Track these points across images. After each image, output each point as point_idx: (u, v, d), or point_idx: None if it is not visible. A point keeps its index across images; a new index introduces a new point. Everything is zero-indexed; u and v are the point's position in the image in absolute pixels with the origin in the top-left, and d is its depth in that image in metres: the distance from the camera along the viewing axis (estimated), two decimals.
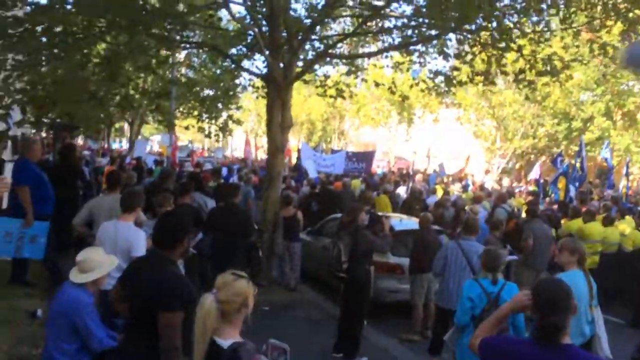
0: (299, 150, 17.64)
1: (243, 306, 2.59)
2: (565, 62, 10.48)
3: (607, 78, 23.42)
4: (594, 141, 23.54)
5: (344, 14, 12.29)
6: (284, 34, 9.43)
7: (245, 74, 15.01)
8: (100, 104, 14.56)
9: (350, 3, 10.67)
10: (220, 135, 17.83)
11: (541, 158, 26.52)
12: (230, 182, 13.86)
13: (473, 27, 9.22)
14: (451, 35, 10.14)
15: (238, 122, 16.87)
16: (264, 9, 9.71)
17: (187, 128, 18.05)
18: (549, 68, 9.95)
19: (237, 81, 16.06)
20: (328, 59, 11.98)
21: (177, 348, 3.01)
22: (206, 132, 16.67)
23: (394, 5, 10.09)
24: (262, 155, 28.01)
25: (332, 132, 40.24)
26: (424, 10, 8.89)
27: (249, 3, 9.75)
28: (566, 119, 25.38)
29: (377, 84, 12.97)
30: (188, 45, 13.15)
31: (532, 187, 18.09)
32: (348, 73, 13.02)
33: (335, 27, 14.80)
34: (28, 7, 8.54)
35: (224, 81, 15.29)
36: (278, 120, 9.56)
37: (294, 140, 34.58)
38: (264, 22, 9.80)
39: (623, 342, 6.57)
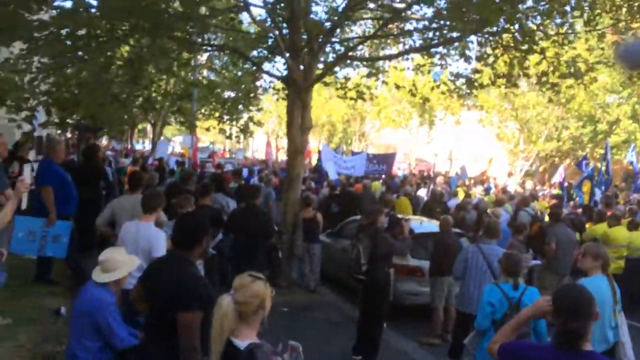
0: (319, 152, 17.66)
1: (260, 308, 2.60)
2: (590, 64, 10.32)
3: (633, 80, 22.97)
4: (620, 144, 23.14)
5: (365, 16, 12.28)
6: (304, 37, 9.46)
7: (265, 76, 15.10)
8: (123, 106, 14.77)
9: (371, 6, 10.65)
10: (241, 136, 17.93)
11: (565, 161, 26.11)
12: (251, 183, 13.95)
13: (495, 29, 9.14)
14: (472, 38, 10.06)
15: (258, 123, 16.94)
16: (285, 12, 9.75)
17: (208, 129, 18.19)
18: (572, 70, 9.82)
19: (257, 83, 16.15)
20: (348, 61, 11.98)
21: (196, 348, 3.03)
22: (227, 134, 16.77)
23: (415, 7, 10.05)
24: (282, 156, 28.11)
25: (352, 133, 40.15)
26: (445, 12, 8.84)
27: (269, 6, 9.80)
28: (591, 121, 24.98)
29: (397, 87, 12.93)
30: (209, 48, 13.26)
31: (555, 191, 17.83)
32: (369, 75, 13.01)
33: (356, 30, 14.78)
34: (53, 11, 8.71)
35: (245, 83, 15.38)
36: (298, 122, 9.58)
37: (315, 142, 34.61)
38: (284, 25, 9.83)
39: None
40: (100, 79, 10.46)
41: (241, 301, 2.55)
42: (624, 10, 9.42)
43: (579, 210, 12.49)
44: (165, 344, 3.11)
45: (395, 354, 6.77)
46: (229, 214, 8.08)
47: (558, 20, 9.77)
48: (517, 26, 8.80)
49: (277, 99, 14.97)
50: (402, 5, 9.82)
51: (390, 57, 12.65)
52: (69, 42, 8.60)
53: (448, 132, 33.06)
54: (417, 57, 12.17)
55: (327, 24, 9.78)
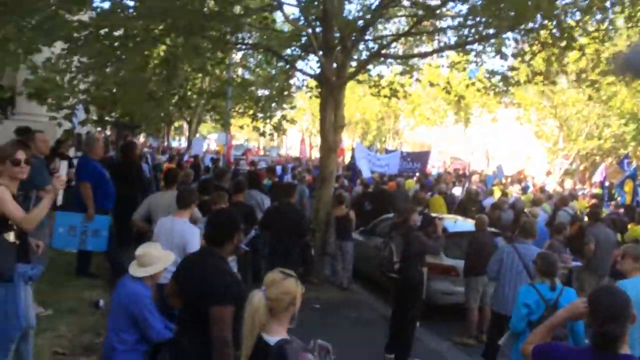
0: (353, 150, 17.61)
1: (291, 304, 2.62)
2: None
3: None
4: None
5: (399, 14, 12.18)
6: (337, 35, 9.45)
7: (299, 74, 15.15)
8: (159, 104, 15.03)
9: (405, 3, 10.56)
10: (275, 134, 18.04)
11: (607, 160, 25.38)
12: (285, 180, 14.03)
13: (532, 25, 8.95)
14: (509, 34, 9.87)
15: (292, 121, 17.00)
16: (318, 11, 9.75)
17: (241, 127, 18.36)
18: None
19: (291, 81, 16.22)
20: (382, 59, 11.91)
21: (228, 342, 3.06)
22: (261, 131, 16.91)
23: (449, 4, 9.92)
24: (316, 154, 28.15)
25: (386, 131, 39.91)
26: (480, 9, 8.70)
27: (302, 5, 9.83)
28: (634, 119, 24.21)
29: (431, 84, 12.79)
30: (243, 47, 13.37)
31: (596, 190, 17.37)
32: (402, 73, 12.91)
33: (390, 27, 14.68)
34: (92, 12, 8.93)
35: (279, 81, 15.45)
36: (331, 120, 9.58)
37: (349, 140, 34.56)
38: (317, 24, 9.84)
39: None
40: (137, 78, 10.65)
41: (272, 298, 2.58)
42: None
43: (621, 210, 12.16)
44: (199, 338, 3.16)
45: (428, 353, 6.73)
46: (263, 211, 8.17)
47: (598, 16, 9.49)
48: (555, 22, 8.59)
49: (310, 97, 15.01)
50: (437, 3, 9.71)
51: (424, 55, 12.53)
52: (107, 42, 8.80)
53: (484, 130, 32.56)
54: (452, 54, 11.98)
55: (360, 22, 9.73)
